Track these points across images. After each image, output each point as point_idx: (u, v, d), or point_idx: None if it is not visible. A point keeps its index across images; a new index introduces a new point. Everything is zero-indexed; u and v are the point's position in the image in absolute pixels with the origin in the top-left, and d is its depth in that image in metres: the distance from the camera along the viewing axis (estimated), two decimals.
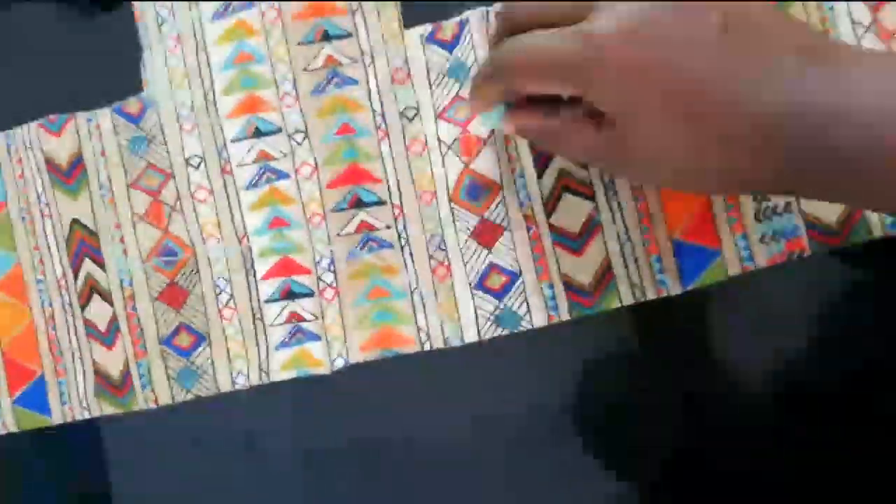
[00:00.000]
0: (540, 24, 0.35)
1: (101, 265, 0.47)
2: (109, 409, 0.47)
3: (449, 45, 0.44)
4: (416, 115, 0.44)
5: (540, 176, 0.43)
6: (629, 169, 0.37)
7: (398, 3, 0.44)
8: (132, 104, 0.47)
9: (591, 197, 0.43)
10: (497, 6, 0.43)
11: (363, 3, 0.44)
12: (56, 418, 0.48)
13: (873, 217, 0.40)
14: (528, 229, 0.43)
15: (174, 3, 0.46)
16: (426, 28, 0.44)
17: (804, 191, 0.34)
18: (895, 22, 0.40)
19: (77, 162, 0.48)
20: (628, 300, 0.42)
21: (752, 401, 0.42)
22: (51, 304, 0.48)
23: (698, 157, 0.33)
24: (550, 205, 0.43)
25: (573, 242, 0.43)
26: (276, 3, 0.45)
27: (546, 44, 0.34)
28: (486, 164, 0.44)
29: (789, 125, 0.31)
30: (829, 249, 0.41)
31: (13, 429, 0.48)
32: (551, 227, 0.43)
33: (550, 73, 0.35)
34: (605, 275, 0.42)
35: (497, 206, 0.44)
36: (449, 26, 0.44)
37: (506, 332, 0.43)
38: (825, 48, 0.33)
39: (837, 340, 0.42)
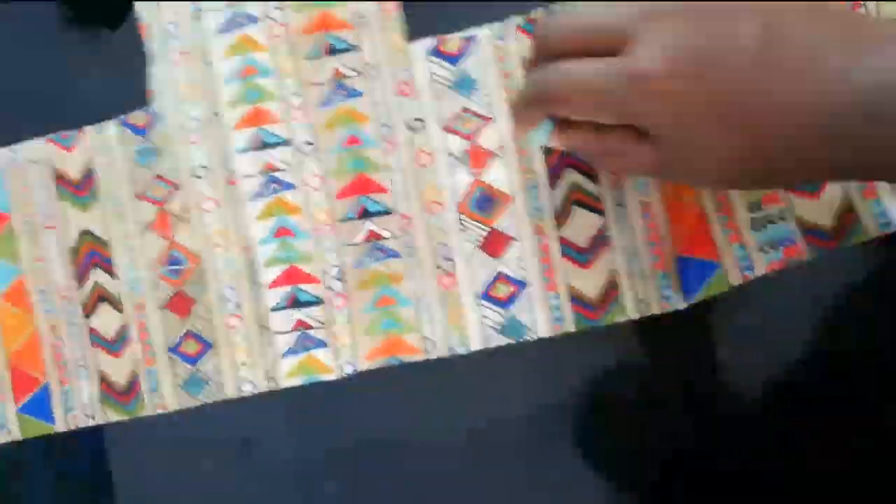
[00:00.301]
0: (575, 51, 0.35)
1: (112, 274, 0.48)
2: (115, 416, 0.47)
3: (454, 59, 0.45)
4: (422, 127, 0.45)
5: (552, 188, 0.44)
6: (686, 179, 0.38)
7: (402, 17, 0.45)
8: (139, 117, 0.47)
9: (602, 212, 0.44)
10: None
11: (368, 17, 0.45)
12: (59, 426, 0.48)
13: (867, 219, 0.41)
14: (538, 240, 0.44)
15: (181, 18, 0.46)
16: (430, 42, 0.45)
17: (860, 174, 0.34)
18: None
19: (89, 175, 0.48)
20: (634, 314, 0.43)
21: (754, 406, 0.43)
22: (55, 314, 0.48)
23: (754, 161, 0.34)
24: (561, 217, 0.44)
25: (581, 255, 0.44)
26: (283, 18, 0.46)
27: (590, 78, 0.34)
28: (496, 175, 0.44)
29: (841, 116, 0.31)
30: (826, 253, 0.42)
31: (18, 436, 0.48)
32: (561, 239, 0.44)
33: (595, 106, 0.35)
34: (612, 289, 0.43)
35: (507, 217, 0.45)
36: (454, 40, 0.45)
37: (511, 341, 0.44)
38: (869, 28, 0.33)
39: (838, 342, 0.43)
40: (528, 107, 0.38)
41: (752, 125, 0.33)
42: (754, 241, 0.42)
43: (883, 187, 0.41)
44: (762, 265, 0.42)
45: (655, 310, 0.43)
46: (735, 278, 0.42)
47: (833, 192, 0.42)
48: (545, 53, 0.37)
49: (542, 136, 0.39)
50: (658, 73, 0.33)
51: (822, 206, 0.42)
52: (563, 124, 0.38)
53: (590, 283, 0.44)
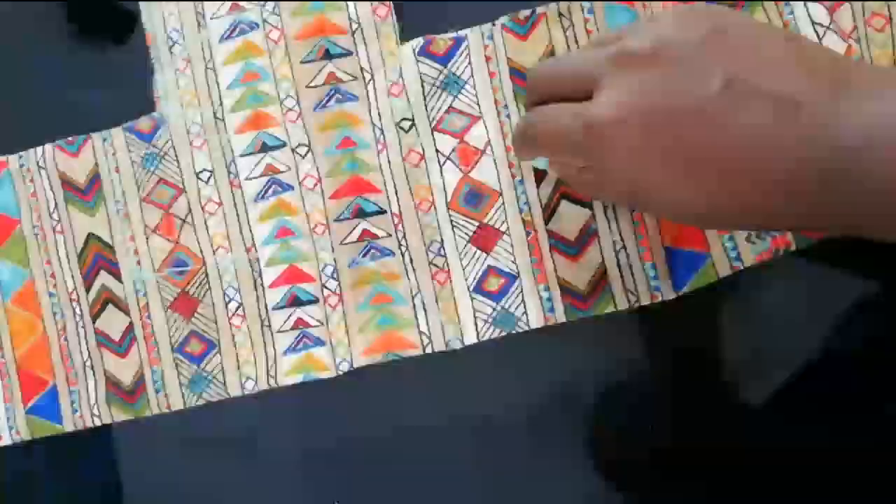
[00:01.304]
0: (555, 95, 0.37)
1: (118, 276, 0.49)
2: (121, 416, 0.48)
3: (442, 59, 0.46)
4: (411, 126, 0.46)
5: (539, 184, 0.45)
6: (659, 214, 0.39)
7: (396, 21, 0.46)
8: (144, 123, 0.48)
9: (588, 205, 0.44)
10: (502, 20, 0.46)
11: (362, 22, 0.47)
12: (67, 426, 0.49)
13: None
14: (527, 233, 0.45)
15: (186, 25, 0.48)
16: (419, 42, 0.46)
17: (837, 224, 0.32)
18: (850, 21, 0.42)
19: (94, 179, 0.49)
20: (623, 305, 0.43)
21: (748, 398, 0.44)
22: (62, 316, 0.49)
23: (721, 205, 0.33)
24: (548, 212, 0.45)
25: (570, 248, 0.44)
26: (280, 24, 0.47)
27: (555, 123, 0.36)
28: (484, 172, 0.45)
29: (812, 161, 0.30)
30: (813, 242, 0.42)
31: (26, 437, 0.49)
32: (549, 232, 0.45)
33: (561, 149, 0.36)
34: (601, 280, 0.44)
35: (496, 212, 0.45)
36: (442, 41, 0.46)
37: (504, 333, 0.45)
38: (846, 72, 0.32)
39: (830, 331, 0.43)
40: (517, 147, 0.40)
41: (702, 177, 0.32)
42: (743, 231, 0.43)
43: None
44: (750, 256, 0.42)
45: (645, 300, 0.43)
46: (723, 269, 0.42)
47: None
48: (534, 97, 0.39)
49: (540, 164, 0.42)
50: (608, 120, 0.33)
51: None
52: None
53: (579, 274, 0.44)
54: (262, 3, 0.47)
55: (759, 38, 0.33)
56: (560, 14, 0.45)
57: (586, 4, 0.44)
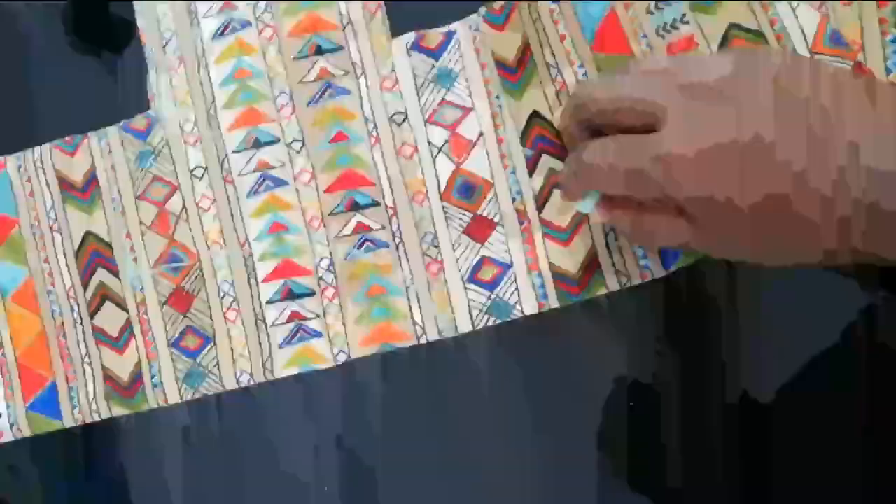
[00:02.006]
0: (611, 122, 0.37)
1: (115, 273, 0.49)
2: (119, 411, 0.48)
3: (434, 53, 0.46)
4: (404, 119, 0.46)
5: (531, 174, 0.45)
6: (719, 254, 0.38)
7: (386, 16, 0.46)
8: (139, 121, 0.48)
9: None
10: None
11: (354, 18, 0.47)
12: (67, 422, 0.49)
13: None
14: (521, 223, 0.45)
15: (179, 25, 0.49)
16: (411, 37, 0.46)
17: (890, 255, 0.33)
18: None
19: (91, 178, 0.49)
20: (614, 286, 0.43)
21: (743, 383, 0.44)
22: (61, 314, 0.49)
23: (781, 244, 0.34)
24: (541, 200, 0.45)
25: (562, 234, 0.44)
26: (272, 22, 0.48)
27: (620, 158, 0.36)
28: (477, 163, 0.45)
29: (862, 198, 0.31)
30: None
31: (27, 433, 0.49)
32: (542, 220, 0.45)
33: (626, 185, 0.36)
34: (592, 263, 0.44)
35: (490, 203, 0.45)
36: (434, 35, 0.46)
37: (498, 321, 0.45)
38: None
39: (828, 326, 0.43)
40: (570, 183, 0.40)
41: (776, 208, 0.33)
42: None
43: None
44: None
45: (636, 280, 0.43)
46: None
47: None
48: (580, 117, 0.38)
49: (588, 206, 0.40)
50: (684, 157, 0.33)
51: None
52: (606, 197, 0.39)
53: (571, 259, 0.44)
54: (254, 1, 0.48)
55: (811, 81, 0.33)
56: (529, 4, 0.45)
57: None
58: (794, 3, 0.41)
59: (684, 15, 0.42)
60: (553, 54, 0.44)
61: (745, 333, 0.43)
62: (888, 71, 0.40)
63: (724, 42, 0.42)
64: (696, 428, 0.43)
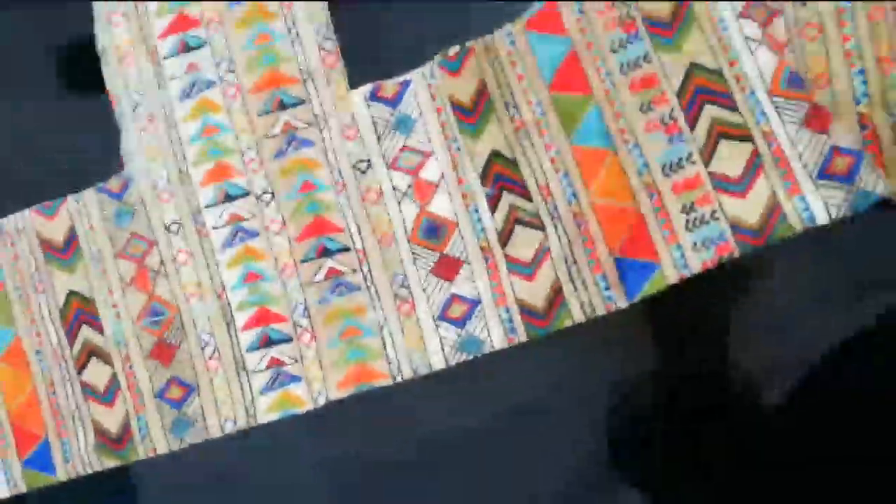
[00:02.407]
0: None
1: (99, 329, 0.50)
2: (110, 463, 0.49)
3: (391, 102, 0.47)
4: (368, 167, 0.47)
5: (493, 211, 0.46)
6: None
7: (345, 69, 0.48)
8: (114, 182, 0.50)
9: (541, 227, 0.45)
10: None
11: (314, 72, 0.48)
12: (60, 475, 0.50)
13: (793, 215, 0.42)
14: (486, 259, 0.46)
15: (146, 87, 0.50)
16: (368, 87, 0.47)
17: None
18: (784, 33, 0.43)
19: (72, 239, 0.50)
20: (580, 318, 0.44)
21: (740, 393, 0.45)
22: (50, 372, 0.51)
23: None
24: (504, 236, 0.46)
25: (526, 269, 0.45)
26: (236, 81, 0.49)
27: None
28: (440, 204, 0.46)
29: None
30: (754, 249, 0.43)
31: (23, 489, 0.50)
32: (506, 256, 0.46)
33: None
34: (556, 297, 0.45)
35: (455, 241, 0.47)
36: (390, 85, 0.47)
37: (470, 356, 0.46)
38: None
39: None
40: None
41: None
42: (689, 240, 0.43)
43: (806, 186, 0.42)
44: (697, 263, 0.43)
45: (600, 311, 0.44)
46: (672, 277, 0.43)
47: (760, 190, 0.43)
48: None
49: None
50: None
51: (749, 205, 0.43)
52: None
53: (536, 293, 0.45)
54: (217, 60, 0.49)
55: None
56: (486, 47, 0.46)
57: (508, 36, 0.46)
58: (753, 46, 0.43)
59: (647, 54, 0.44)
60: (511, 94, 0.46)
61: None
62: (857, 101, 0.41)
63: (686, 80, 0.43)
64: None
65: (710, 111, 0.43)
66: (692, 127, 0.44)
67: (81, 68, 0.51)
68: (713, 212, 0.43)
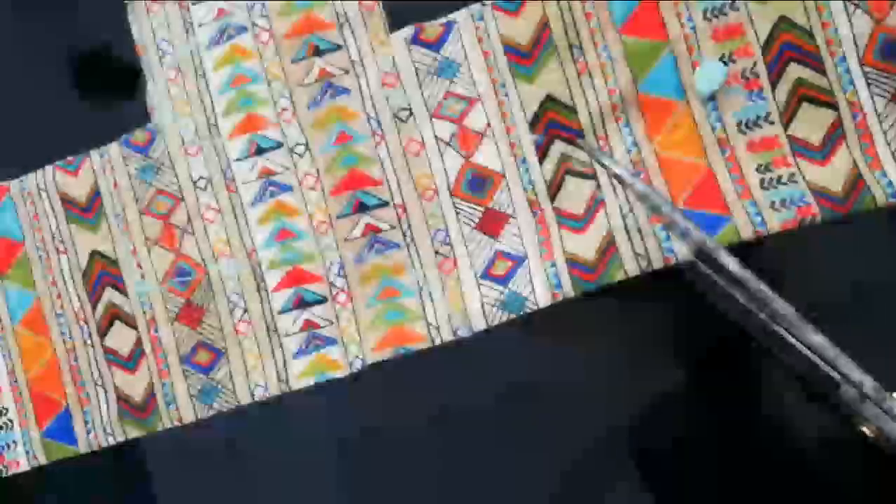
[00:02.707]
0: None
1: (123, 292, 0.47)
2: (133, 433, 0.46)
3: (434, 46, 0.44)
4: (409, 115, 0.44)
5: (541, 162, 0.43)
6: None
7: (383, 11, 0.45)
8: (139, 135, 0.47)
9: (592, 176, 0.42)
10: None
11: (350, 15, 0.45)
12: (82, 447, 0.47)
13: (876, 188, 0.39)
14: (534, 213, 0.43)
15: (174, 34, 0.47)
16: (409, 31, 0.44)
17: None
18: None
19: (95, 197, 0.48)
20: (634, 271, 0.41)
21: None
22: (71, 337, 0.48)
23: None
24: (553, 188, 0.43)
25: (577, 223, 0.42)
26: (268, 25, 0.46)
27: None
28: (486, 156, 0.43)
29: None
30: (838, 217, 0.40)
31: (43, 461, 0.47)
32: (556, 210, 0.43)
33: None
34: (608, 248, 0.41)
35: (501, 195, 0.44)
36: (433, 27, 0.44)
37: (513, 316, 0.43)
38: None
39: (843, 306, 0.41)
40: None
41: None
42: (765, 199, 0.40)
43: (888, 160, 0.40)
44: (776, 223, 0.40)
45: (658, 264, 0.40)
46: (747, 232, 0.40)
47: (841, 159, 0.40)
48: None
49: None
50: None
51: (830, 172, 0.40)
52: None
53: (587, 245, 0.42)
54: (250, 4, 0.46)
55: None
56: None
57: None
58: (851, 8, 0.40)
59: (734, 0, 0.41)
60: (578, 34, 0.43)
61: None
62: None
63: (772, 34, 0.40)
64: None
65: (795, 70, 0.40)
66: (774, 85, 0.40)
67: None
68: (791, 174, 0.40)
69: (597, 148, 0.42)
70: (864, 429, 0.36)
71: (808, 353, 0.36)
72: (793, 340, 0.36)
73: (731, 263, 0.37)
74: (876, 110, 0.40)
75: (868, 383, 0.35)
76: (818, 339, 0.36)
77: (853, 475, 0.40)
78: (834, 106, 0.40)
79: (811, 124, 0.40)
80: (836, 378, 0.35)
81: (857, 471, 0.39)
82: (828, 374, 0.36)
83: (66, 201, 0.49)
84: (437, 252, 0.44)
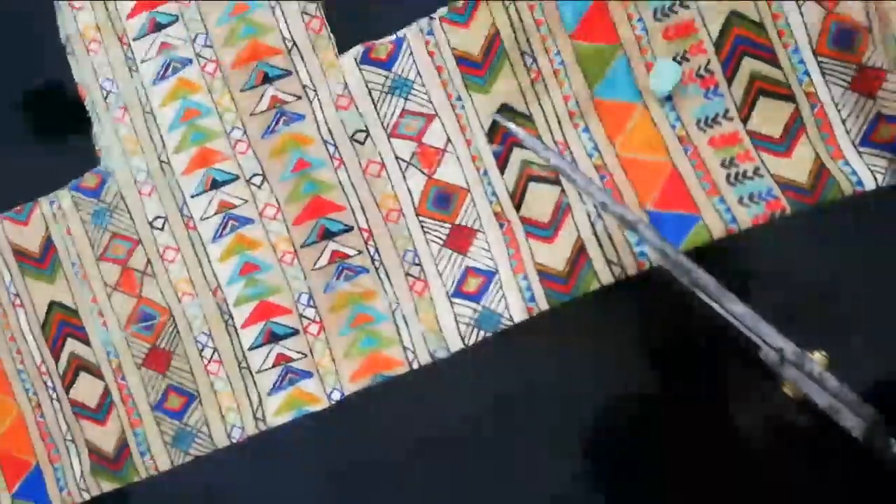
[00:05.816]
0: None
1: (86, 341, 0.45)
2: (108, 486, 0.44)
3: (385, 64, 0.43)
4: (366, 137, 0.43)
5: (502, 171, 0.42)
6: None
7: (331, 33, 0.43)
8: (90, 179, 0.45)
9: (556, 180, 0.41)
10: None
11: (297, 39, 0.44)
12: None
13: (841, 178, 0.39)
14: (501, 226, 0.42)
15: (117, 73, 0.45)
16: (359, 50, 0.43)
17: None
18: None
19: (48, 245, 0.45)
20: (608, 279, 0.40)
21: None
22: (35, 393, 0.45)
23: None
24: (517, 198, 0.41)
25: (545, 231, 0.41)
26: (214, 56, 0.45)
27: None
28: (448, 170, 0.42)
29: None
30: (807, 208, 0.39)
31: None
32: (522, 219, 0.41)
33: None
34: (579, 257, 0.40)
35: (467, 210, 0.42)
36: (383, 45, 0.42)
37: (488, 333, 0.41)
38: None
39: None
40: None
41: None
42: (733, 194, 0.39)
43: (848, 150, 0.39)
44: (746, 219, 0.39)
45: (631, 270, 0.39)
46: (718, 230, 0.39)
47: (803, 151, 0.39)
48: None
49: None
50: None
51: (794, 164, 0.39)
52: None
53: (557, 255, 0.40)
54: (192, 35, 0.44)
55: None
56: None
57: None
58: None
59: None
60: (528, 41, 0.41)
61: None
62: None
63: (724, 30, 0.39)
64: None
65: (749, 65, 0.40)
66: (730, 81, 0.40)
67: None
68: (756, 168, 0.39)
69: (521, 130, 0.40)
70: (786, 390, 0.36)
71: (733, 320, 0.36)
72: (719, 309, 0.36)
73: (649, 234, 0.37)
74: (833, 99, 0.39)
75: (789, 348, 0.35)
76: (740, 308, 0.36)
77: (830, 469, 0.39)
78: (791, 98, 0.39)
79: (770, 117, 0.40)
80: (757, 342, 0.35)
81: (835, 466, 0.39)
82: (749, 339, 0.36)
83: (18, 252, 0.46)
84: (407, 274, 0.42)
